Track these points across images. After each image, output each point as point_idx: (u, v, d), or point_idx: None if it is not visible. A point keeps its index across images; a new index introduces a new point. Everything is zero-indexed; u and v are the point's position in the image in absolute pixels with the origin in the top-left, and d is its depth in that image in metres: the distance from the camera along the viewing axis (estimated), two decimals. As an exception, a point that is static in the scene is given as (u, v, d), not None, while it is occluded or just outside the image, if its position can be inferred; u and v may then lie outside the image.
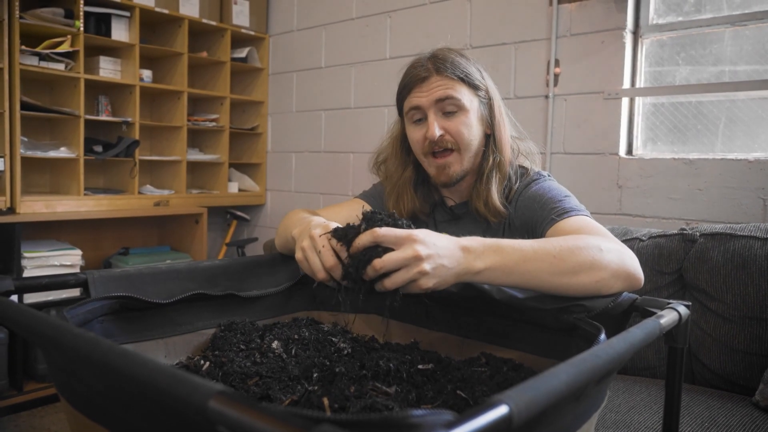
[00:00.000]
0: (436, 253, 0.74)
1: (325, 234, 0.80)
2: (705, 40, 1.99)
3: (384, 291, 0.75)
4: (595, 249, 0.83)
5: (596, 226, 0.97)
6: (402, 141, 1.23)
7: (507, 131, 1.19)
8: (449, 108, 1.12)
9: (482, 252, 0.78)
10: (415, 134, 1.16)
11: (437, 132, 1.11)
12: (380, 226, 0.75)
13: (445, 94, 1.11)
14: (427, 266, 0.73)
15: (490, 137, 1.18)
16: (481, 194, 1.15)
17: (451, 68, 1.12)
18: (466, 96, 1.13)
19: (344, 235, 0.77)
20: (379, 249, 0.73)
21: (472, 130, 1.14)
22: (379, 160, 1.31)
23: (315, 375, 0.77)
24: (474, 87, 1.14)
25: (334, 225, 0.82)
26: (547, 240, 0.85)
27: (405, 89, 1.15)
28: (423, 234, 0.75)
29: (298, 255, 0.84)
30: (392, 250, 0.73)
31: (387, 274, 0.73)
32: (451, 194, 1.24)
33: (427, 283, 0.74)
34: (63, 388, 0.65)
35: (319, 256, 0.79)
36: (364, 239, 0.74)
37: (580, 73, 2.14)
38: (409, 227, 0.77)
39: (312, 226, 0.84)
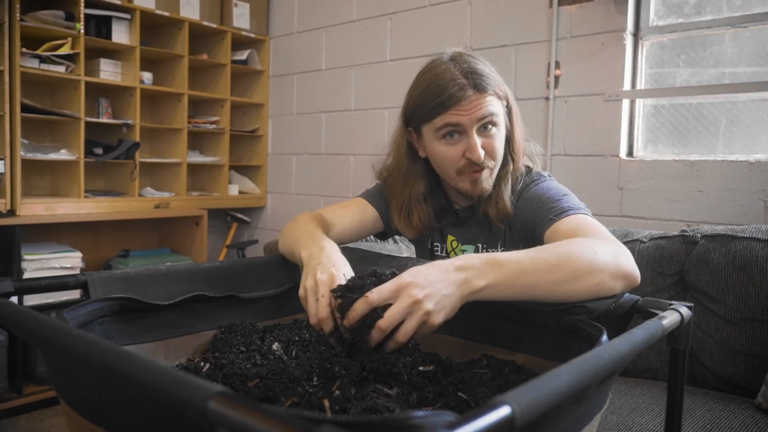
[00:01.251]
0: (433, 288, 0.73)
1: (330, 293, 0.79)
2: (705, 41, 1.99)
3: (397, 347, 0.74)
4: (590, 251, 0.82)
5: (594, 225, 0.96)
6: (409, 154, 1.18)
7: (522, 135, 1.18)
8: (488, 124, 1.09)
9: (482, 269, 0.77)
10: (449, 152, 1.10)
11: (482, 153, 1.08)
12: (368, 288, 0.74)
13: (487, 112, 1.07)
14: (429, 305, 0.72)
15: (508, 143, 1.16)
16: (492, 198, 1.14)
17: (488, 84, 1.07)
18: (499, 110, 1.10)
19: (340, 309, 0.76)
20: (378, 311, 0.72)
21: (502, 143, 1.13)
22: (384, 176, 1.27)
23: (315, 377, 0.77)
24: (501, 98, 1.11)
25: (342, 273, 0.83)
26: (543, 248, 0.84)
27: (439, 107, 1.07)
28: (411, 276, 0.73)
29: (301, 292, 0.86)
30: (389, 305, 0.72)
31: (394, 330, 0.72)
32: (458, 198, 1.22)
33: (437, 319, 0.73)
34: (63, 390, 0.65)
35: (316, 304, 0.80)
36: (359, 309, 0.73)
37: (580, 75, 2.14)
38: (393, 275, 0.76)
39: (320, 268, 0.85)
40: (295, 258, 1.01)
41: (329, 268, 0.85)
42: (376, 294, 0.72)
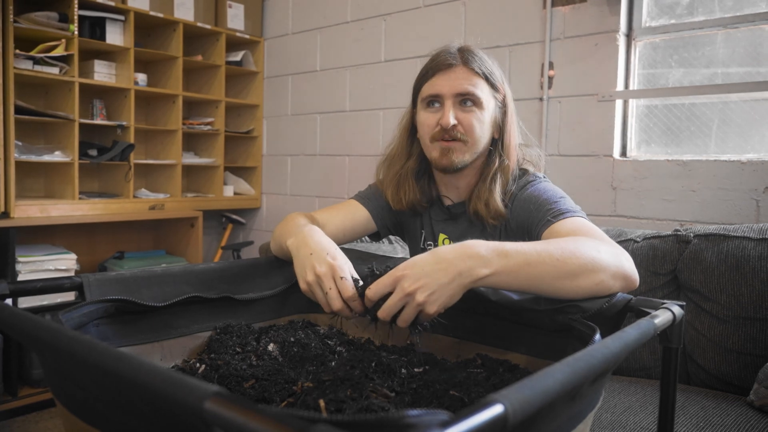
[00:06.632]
0: (427, 279, 0.76)
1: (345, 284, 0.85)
2: (698, 42, 2.00)
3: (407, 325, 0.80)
4: (594, 251, 0.83)
5: (591, 228, 0.97)
6: (410, 131, 1.24)
7: (516, 138, 1.20)
8: (468, 102, 1.13)
9: (488, 257, 0.79)
10: (427, 119, 1.16)
11: (452, 120, 1.11)
12: (371, 282, 0.81)
13: (466, 90, 1.12)
14: (420, 297, 0.76)
15: (498, 141, 1.19)
16: (482, 195, 1.15)
17: (478, 62, 1.14)
18: (485, 94, 1.14)
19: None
20: (379, 302, 0.79)
21: (483, 127, 1.15)
22: (386, 152, 1.31)
23: (311, 377, 0.77)
24: (494, 88, 1.16)
25: (338, 262, 0.87)
26: (548, 242, 0.85)
27: (429, 72, 1.15)
28: (406, 267, 0.78)
29: (303, 287, 0.89)
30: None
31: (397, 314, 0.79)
32: (448, 192, 1.23)
33: (430, 310, 0.77)
34: (59, 392, 0.65)
35: (326, 297, 0.85)
36: (360, 307, 0.83)
37: (574, 76, 2.15)
38: (387, 270, 0.81)
39: (315, 260, 0.88)
40: (283, 250, 1.03)
41: (324, 257, 0.88)
42: (373, 290, 0.78)
